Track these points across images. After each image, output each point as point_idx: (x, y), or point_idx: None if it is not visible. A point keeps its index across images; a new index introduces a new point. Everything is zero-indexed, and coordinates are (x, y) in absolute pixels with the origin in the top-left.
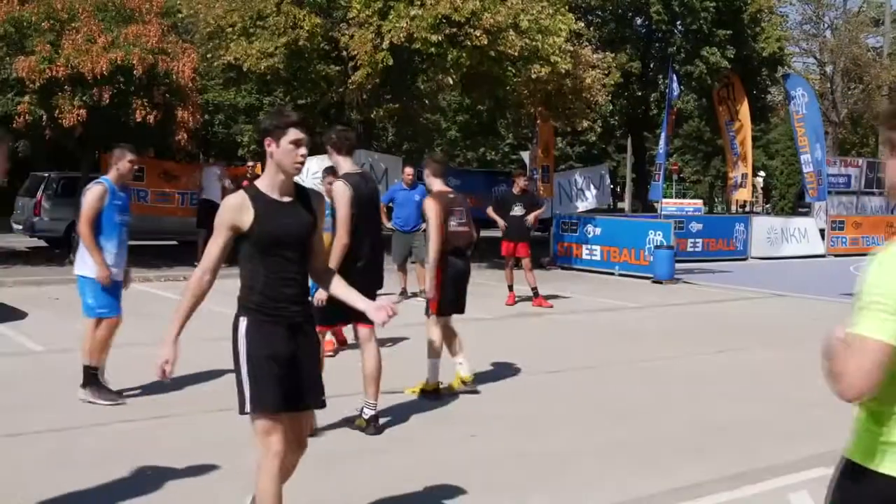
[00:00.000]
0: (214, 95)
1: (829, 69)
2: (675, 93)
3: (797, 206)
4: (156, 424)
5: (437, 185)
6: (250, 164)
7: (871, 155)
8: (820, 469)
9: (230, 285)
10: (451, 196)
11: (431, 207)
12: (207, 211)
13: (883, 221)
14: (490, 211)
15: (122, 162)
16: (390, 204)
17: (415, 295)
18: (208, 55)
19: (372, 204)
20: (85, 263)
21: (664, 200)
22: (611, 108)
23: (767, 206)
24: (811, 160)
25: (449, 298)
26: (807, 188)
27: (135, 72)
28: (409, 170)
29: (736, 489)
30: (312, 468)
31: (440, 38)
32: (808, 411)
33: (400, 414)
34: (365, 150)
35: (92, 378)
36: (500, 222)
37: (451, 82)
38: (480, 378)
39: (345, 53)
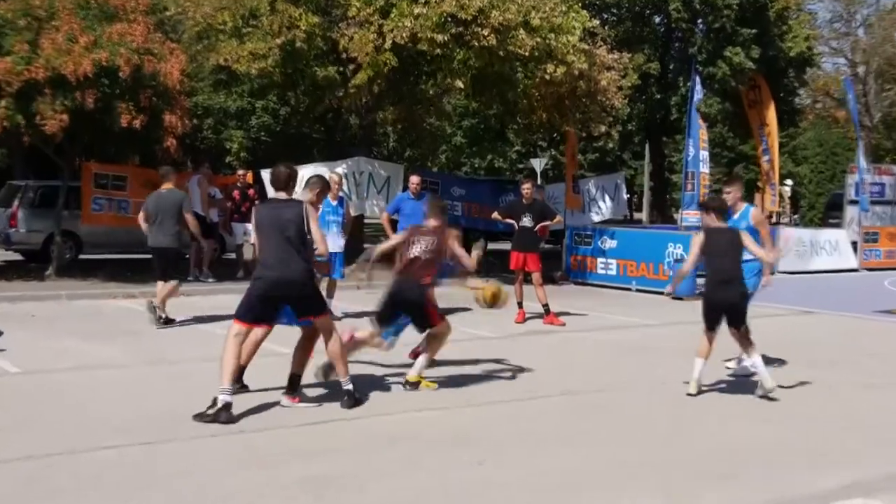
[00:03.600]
0: (203, 98)
1: (861, 70)
2: (699, 95)
3: (827, 216)
4: (145, 451)
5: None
6: (241, 172)
7: None
8: (854, 500)
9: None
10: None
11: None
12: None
13: None
14: (496, 214)
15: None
16: (395, 215)
17: None
18: (197, 56)
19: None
20: None
21: (685, 211)
22: (628, 111)
23: (795, 216)
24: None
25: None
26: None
27: (120, 73)
28: (415, 178)
29: None
30: (311, 494)
31: (446, 38)
32: (839, 435)
33: (406, 432)
34: (364, 157)
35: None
36: (511, 221)
37: (461, 85)
38: (489, 399)
39: (344, 55)
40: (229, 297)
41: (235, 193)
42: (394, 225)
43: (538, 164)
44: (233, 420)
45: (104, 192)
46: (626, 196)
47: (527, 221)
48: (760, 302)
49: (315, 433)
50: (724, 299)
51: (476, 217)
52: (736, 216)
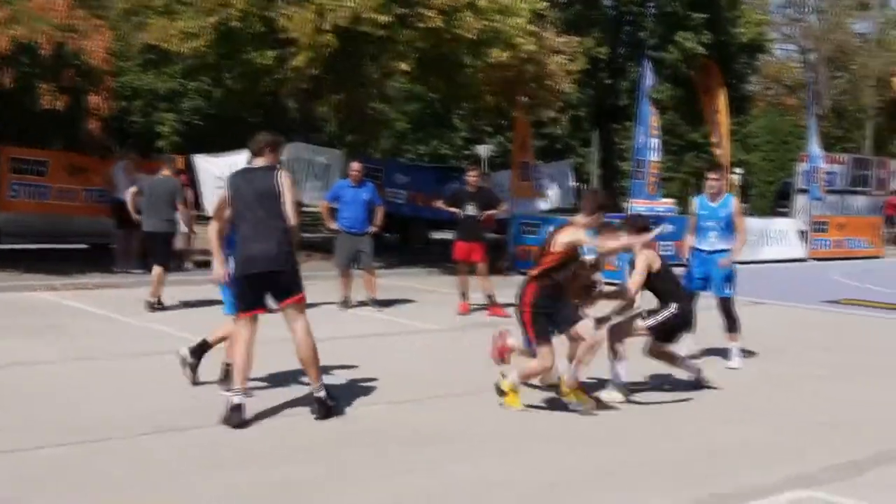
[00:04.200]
0: (131, 79)
1: (812, 57)
2: (650, 81)
3: (777, 205)
4: (90, 449)
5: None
6: (168, 156)
7: (857, 150)
8: (798, 492)
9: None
10: None
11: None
12: (120, 211)
13: (869, 223)
14: (440, 203)
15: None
16: (334, 204)
17: (363, 304)
18: (125, 34)
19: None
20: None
21: (633, 200)
22: (577, 97)
23: (746, 205)
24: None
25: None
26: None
27: (41, 51)
28: (356, 165)
29: None
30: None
31: (390, 19)
32: (785, 429)
33: (363, 434)
34: (303, 143)
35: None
36: (455, 210)
37: (406, 68)
38: (434, 396)
39: (282, 36)
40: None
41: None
42: (333, 213)
43: (484, 150)
44: (243, 423)
45: (23, 177)
46: (573, 184)
47: (472, 210)
48: (709, 292)
49: (273, 432)
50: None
51: (420, 205)
52: (716, 204)
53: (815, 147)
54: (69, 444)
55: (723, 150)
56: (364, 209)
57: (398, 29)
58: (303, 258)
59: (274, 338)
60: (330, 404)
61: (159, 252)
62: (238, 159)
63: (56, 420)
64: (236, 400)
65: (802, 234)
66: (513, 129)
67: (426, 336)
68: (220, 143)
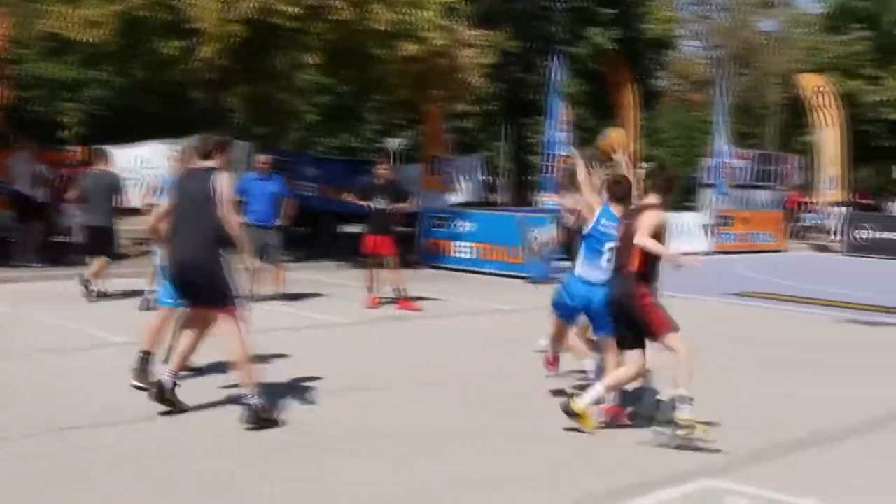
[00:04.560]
0: (32, 67)
1: (718, 54)
2: (559, 75)
3: (684, 199)
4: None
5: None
6: (71, 148)
7: (761, 146)
8: (700, 481)
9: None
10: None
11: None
12: (21, 204)
13: (772, 217)
14: (350, 196)
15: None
16: (242, 197)
17: (271, 298)
18: (25, 21)
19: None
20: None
21: (543, 194)
22: (488, 90)
23: None
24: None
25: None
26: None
27: None
28: (263, 157)
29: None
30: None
31: (300, 11)
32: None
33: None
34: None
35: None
36: (364, 203)
37: (316, 60)
38: (338, 390)
39: (189, 26)
40: (59, 283)
41: (65, 171)
42: (240, 206)
43: (395, 143)
44: (161, 399)
45: None
46: (482, 177)
47: (381, 203)
48: None
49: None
50: None
51: (329, 198)
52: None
53: (721, 143)
54: None
55: (632, 145)
56: (272, 202)
57: (308, 20)
58: None
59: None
60: (265, 416)
61: (105, 244)
62: (142, 151)
63: None
64: (164, 378)
65: (708, 228)
66: (424, 122)
67: (336, 330)
68: (125, 134)
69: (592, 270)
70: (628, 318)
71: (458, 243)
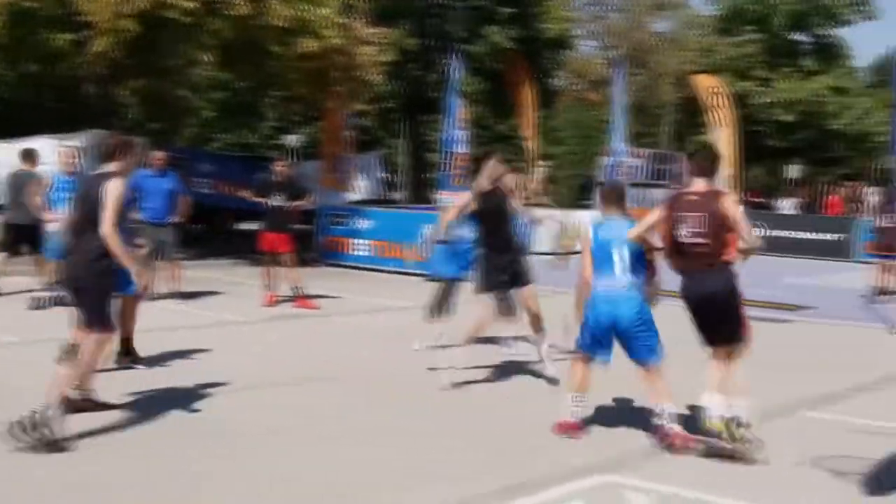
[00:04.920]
0: None
1: (613, 54)
2: (458, 74)
3: (581, 198)
4: None
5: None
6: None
7: (656, 145)
8: (598, 476)
9: None
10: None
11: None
12: None
13: None
14: (247, 193)
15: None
16: (136, 195)
17: (167, 297)
18: None
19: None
20: None
21: (442, 192)
22: (387, 88)
23: (550, 197)
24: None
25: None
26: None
27: None
28: (158, 154)
29: (513, 499)
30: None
31: (196, 6)
32: (587, 415)
33: (136, 425)
34: (103, 130)
35: None
36: (261, 200)
37: (211, 57)
38: (237, 389)
39: (82, 19)
40: None
41: None
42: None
43: (293, 140)
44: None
45: None
46: (381, 175)
47: (278, 200)
48: None
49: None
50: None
51: (226, 195)
52: None
53: (618, 142)
54: None
55: (531, 143)
56: (167, 199)
57: (204, 16)
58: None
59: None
60: (52, 439)
61: (34, 241)
62: (33, 145)
63: None
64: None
65: None
66: (323, 119)
67: (233, 328)
68: (14, 129)
69: (609, 280)
70: (718, 316)
71: (356, 241)
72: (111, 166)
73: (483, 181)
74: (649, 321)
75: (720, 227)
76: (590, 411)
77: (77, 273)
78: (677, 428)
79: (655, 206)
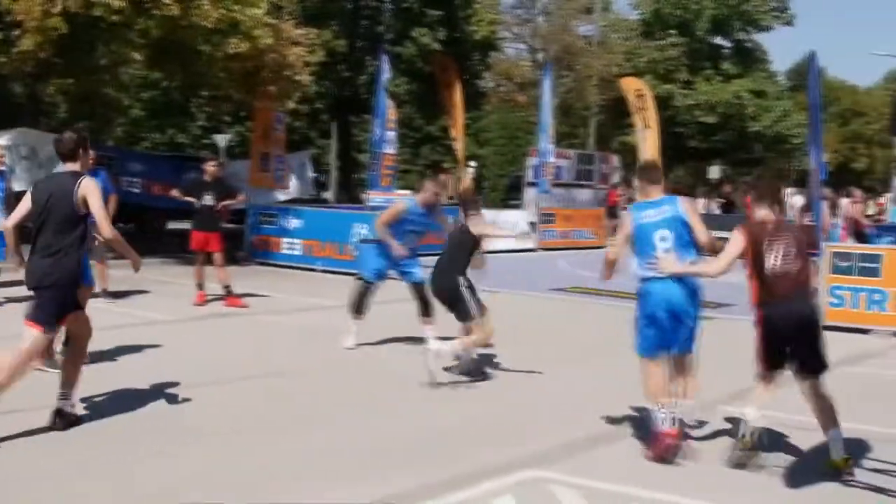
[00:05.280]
0: None
1: (540, 56)
2: (387, 75)
3: (508, 198)
4: None
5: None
6: None
7: (581, 146)
8: (525, 472)
9: None
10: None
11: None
12: None
13: (592, 214)
14: (177, 192)
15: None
16: None
17: (94, 296)
18: None
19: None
20: None
21: (371, 191)
22: (316, 89)
23: (479, 197)
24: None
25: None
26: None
27: None
28: (90, 153)
29: (440, 497)
30: None
31: (124, 5)
32: (512, 412)
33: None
34: (30, 129)
35: None
36: (191, 199)
37: (139, 56)
38: (167, 387)
39: (8, 18)
40: None
41: None
42: None
43: (222, 140)
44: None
45: None
46: (312, 175)
47: (209, 200)
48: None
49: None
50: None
51: (156, 194)
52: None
53: (544, 143)
54: None
55: (459, 143)
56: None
57: (133, 15)
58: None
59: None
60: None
61: None
62: None
63: None
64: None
65: (531, 225)
66: (253, 119)
67: (162, 328)
68: None
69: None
70: (809, 341)
71: (286, 240)
72: (75, 165)
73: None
74: (697, 307)
75: (804, 252)
76: (509, 409)
77: (47, 271)
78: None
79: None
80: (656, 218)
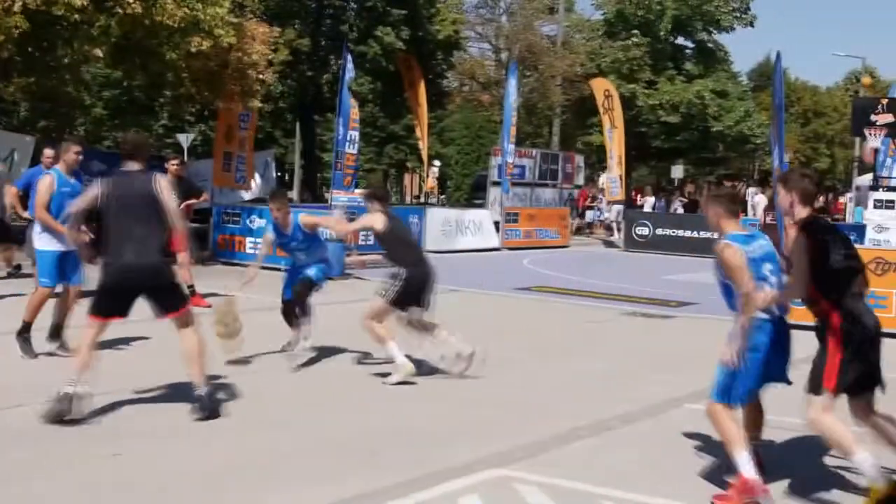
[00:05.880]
0: None
1: (503, 56)
2: (350, 74)
3: (473, 197)
4: None
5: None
6: None
7: (545, 146)
8: (490, 471)
9: None
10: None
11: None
12: None
13: (556, 214)
14: None
15: (69, 154)
16: (26, 191)
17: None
18: None
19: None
20: (41, 238)
21: (334, 190)
22: (280, 88)
23: (443, 196)
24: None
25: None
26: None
27: None
28: (49, 151)
29: (406, 496)
30: None
31: (85, 3)
32: (476, 410)
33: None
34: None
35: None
36: None
37: (100, 54)
38: (126, 386)
39: None
40: None
41: None
42: (25, 201)
43: (185, 139)
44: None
45: None
46: (275, 174)
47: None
48: None
49: None
50: None
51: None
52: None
53: (507, 142)
54: None
55: (423, 142)
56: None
57: (94, 14)
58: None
59: None
60: (211, 406)
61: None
62: None
63: None
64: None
65: (496, 224)
66: (217, 118)
67: (122, 326)
68: None
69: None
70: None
71: (250, 239)
72: (136, 164)
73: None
74: None
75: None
76: (474, 407)
77: (157, 270)
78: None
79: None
80: (759, 252)
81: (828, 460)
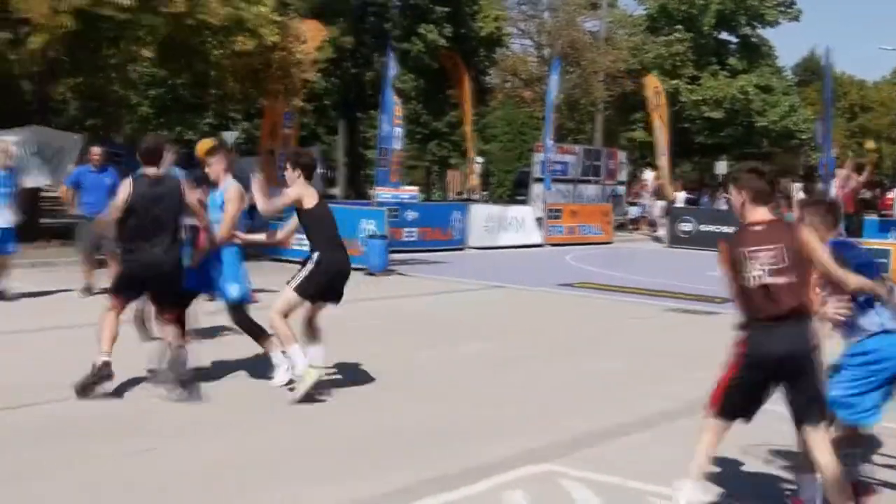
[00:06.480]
0: None
1: (546, 52)
2: (394, 71)
3: (515, 193)
4: None
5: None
6: None
7: (588, 142)
8: (534, 466)
9: None
10: (759, 229)
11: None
12: None
13: (599, 210)
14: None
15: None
16: (76, 189)
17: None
18: None
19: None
20: None
21: (378, 187)
22: (323, 86)
23: (485, 193)
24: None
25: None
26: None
27: None
28: (96, 149)
29: (450, 490)
30: None
31: (132, 3)
32: (521, 406)
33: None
34: (40, 126)
35: None
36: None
37: (147, 54)
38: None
39: (17, 17)
40: None
41: None
42: (75, 198)
43: (231, 137)
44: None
45: None
46: (319, 171)
47: None
48: (450, 277)
49: None
50: None
51: None
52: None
53: (549, 138)
54: None
55: (468, 139)
56: (106, 194)
57: (140, 12)
58: (43, 245)
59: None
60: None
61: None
62: None
63: None
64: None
65: (539, 220)
66: (261, 116)
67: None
68: None
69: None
70: (806, 381)
71: (295, 236)
72: (154, 168)
73: None
74: None
75: (801, 262)
76: (518, 402)
77: (167, 272)
78: None
79: (591, 200)
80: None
81: None
